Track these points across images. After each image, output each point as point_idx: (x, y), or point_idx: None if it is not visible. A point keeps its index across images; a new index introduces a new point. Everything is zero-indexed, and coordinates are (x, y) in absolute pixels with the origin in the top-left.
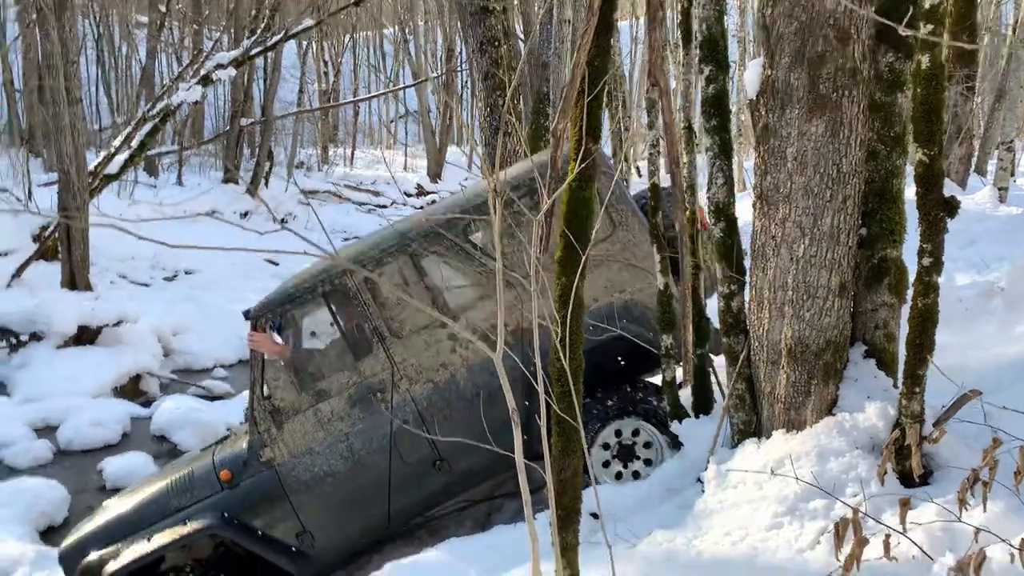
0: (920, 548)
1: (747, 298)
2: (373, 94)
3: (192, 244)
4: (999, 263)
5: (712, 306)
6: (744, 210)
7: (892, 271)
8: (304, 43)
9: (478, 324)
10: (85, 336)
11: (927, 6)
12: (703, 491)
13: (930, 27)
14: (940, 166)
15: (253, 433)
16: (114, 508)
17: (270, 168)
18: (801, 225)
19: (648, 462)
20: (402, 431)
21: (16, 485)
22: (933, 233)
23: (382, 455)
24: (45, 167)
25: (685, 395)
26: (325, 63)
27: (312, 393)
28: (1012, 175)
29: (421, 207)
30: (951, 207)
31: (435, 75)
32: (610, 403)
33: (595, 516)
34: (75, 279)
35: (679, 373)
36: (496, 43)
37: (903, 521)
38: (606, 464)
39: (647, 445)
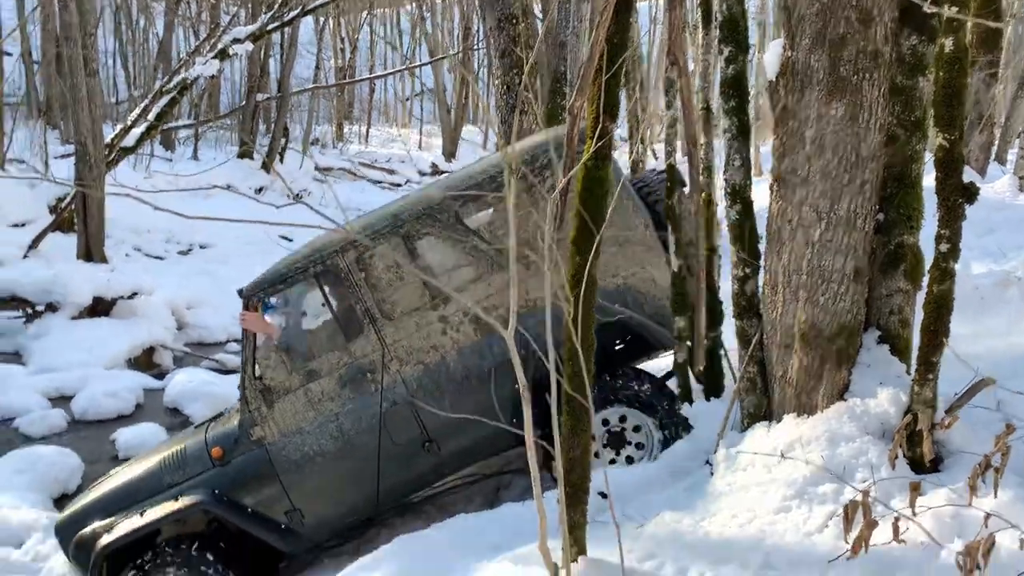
0: (928, 534)
1: (761, 282)
2: (389, 71)
3: (208, 216)
4: (1017, 252)
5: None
6: (760, 194)
7: (908, 257)
8: (321, 19)
9: (468, 307)
10: (100, 308)
11: None
12: (712, 473)
13: (955, 9)
14: (960, 151)
15: (244, 412)
16: (110, 482)
17: (285, 144)
18: (818, 209)
19: (640, 446)
20: (391, 412)
21: (31, 453)
22: (951, 219)
23: (371, 435)
24: (62, 139)
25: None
26: (342, 39)
27: (303, 373)
28: None
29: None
30: (970, 193)
31: (452, 53)
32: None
33: (603, 495)
34: (91, 251)
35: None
36: (514, 21)
37: (912, 505)
38: (596, 455)
39: (636, 429)
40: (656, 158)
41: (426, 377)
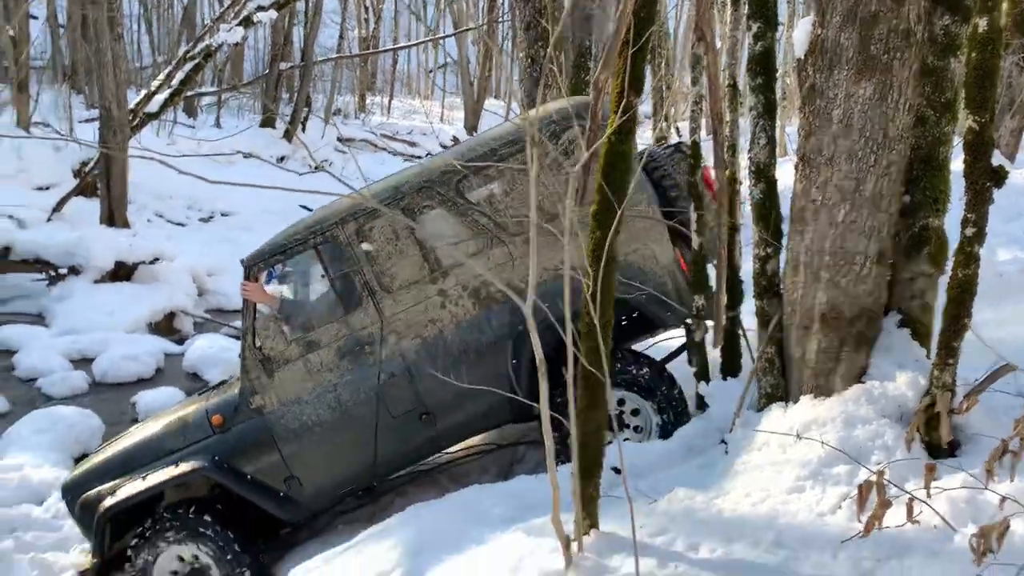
0: (942, 517)
1: (783, 262)
2: (413, 43)
3: (231, 182)
4: None
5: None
6: (784, 174)
7: (933, 240)
8: None
9: (468, 281)
10: (122, 272)
11: None
12: (726, 452)
13: None
14: (990, 134)
15: (244, 381)
16: (114, 446)
17: (307, 114)
18: (842, 189)
19: (638, 429)
20: (389, 384)
21: (53, 413)
22: (978, 203)
23: (369, 407)
24: (87, 103)
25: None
26: (366, 9)
27: (302, 344)
28: None
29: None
30: (999, 177)
31: (476, 25)
32: None
33: (616, 471)
34: (113, 216)
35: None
36: None
37: (928, 486)
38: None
39: (635, 413)
40: (680, 136)
41: (424, 350)
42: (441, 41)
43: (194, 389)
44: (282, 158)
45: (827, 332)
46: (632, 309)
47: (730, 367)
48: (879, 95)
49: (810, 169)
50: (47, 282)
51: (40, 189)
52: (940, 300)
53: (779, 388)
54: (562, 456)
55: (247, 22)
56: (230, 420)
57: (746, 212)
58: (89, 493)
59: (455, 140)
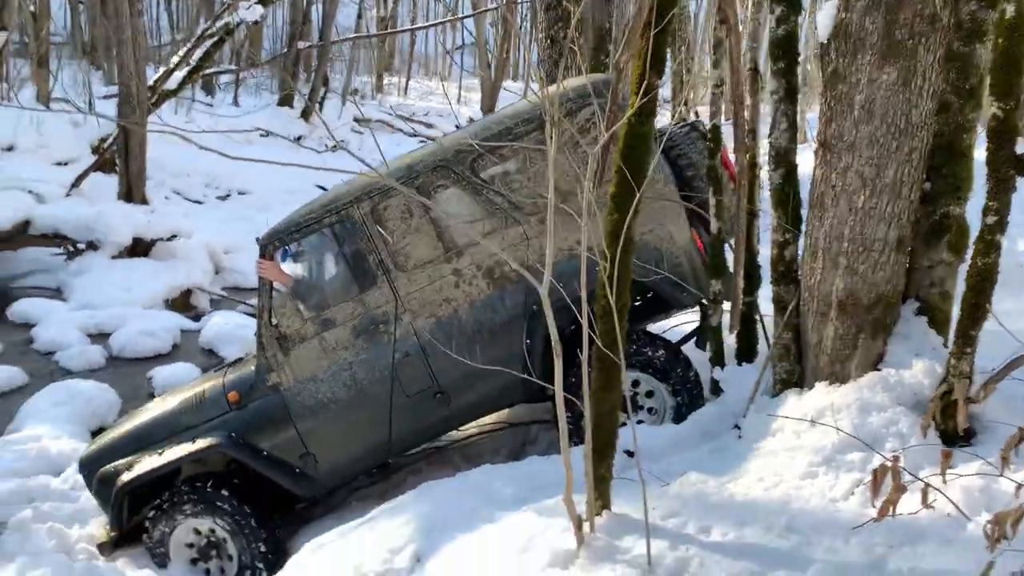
0: (955, 505)
1: (801, 248)
2: (431, 23)
3: (251, 158)
4: None
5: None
6: (804, 160)
7: (953, 228)
8: None
9: (483, 261)
10: (139, 248)
11: None
12: (740, 437)
13: None
14: (1015, 122)
15: (260, 358)
16: (131, 421)
17: (325, 93)
18: (863, 176)
19: (652, 411)
20: (404, 363)
21: (71, 386)
22: (1001, 191)
23: (384, 385)
24: (106, 80)
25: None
26: None
27: (318, 322)
28: None
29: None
30: (1022, 165)
31: (496, 6)
32: None
33: (629, 453)
34: (132, 192)
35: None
36: None
37: (943, 473)
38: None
39: (649, 395)
40: (698, 119)
41: (438, 329)
42: (460, 22)
43: (210, 365)
44: (299, 137)
45: (844, 319)
46: (647, 289)
47: (745, 352)
48: (902, 81)
49: (830, 155)
50: (65, 257)
51: (59, 164)
52: (959, 289)
53: (794, 374)
54: (575, 437)
55: (266, 0)
56: (246, 397)
57: (764, 197)
58: (107, 467)
59: (471, 121)
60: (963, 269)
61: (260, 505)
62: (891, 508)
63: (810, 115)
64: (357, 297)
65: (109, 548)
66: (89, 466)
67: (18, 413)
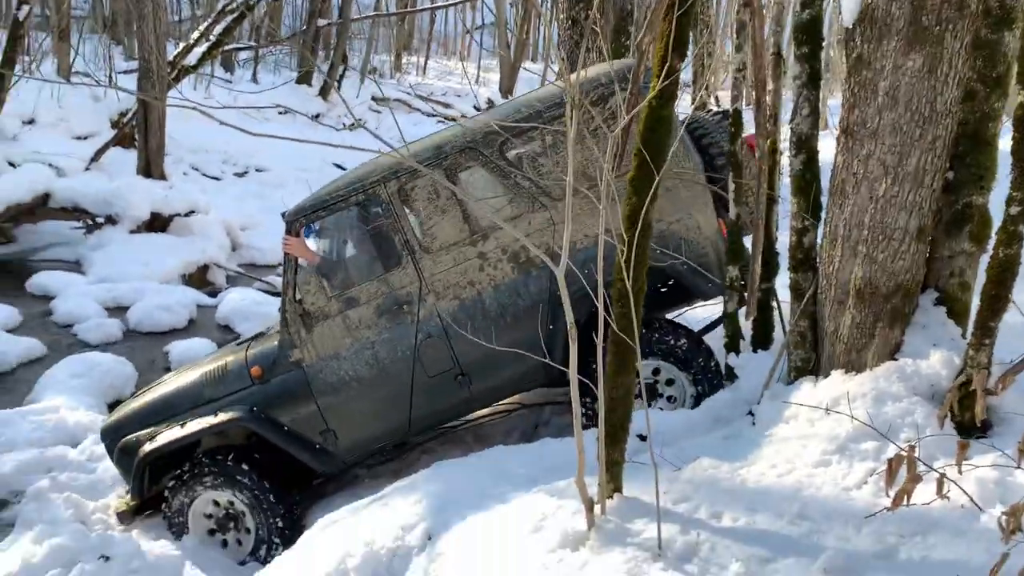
0: (969, 496)
1: (820, 235)
2: (451, 2)
3: (270, 134)
4: None
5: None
6: (824, 147)
7: (975, 218)
8: None
9: (508, 244)
10: (157, 223)
11: None
12: (753, 423)
13: None
14: None
15: (284, 334)
16: (153, 392)
17: (343, 71)
18: (885, 163)
19: (671, 399)
20: (426, 344)
21: (88, 358)
22: None
23: (405, 365)
24: (126, 55)
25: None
26: None
27: (341, 300)
28: None
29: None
30: None
31: None
32: None
33: (642, 438)
34: (150, 167)
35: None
36: None
37: (959, 463)
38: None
39: (669, 383)
40: (719, 104)
41: (461, 312)
42: (480, 1)
43: (226, 341)
44: (317, 115)
45: (862, 307)
46: (671, 278)
47: (761, 339)
48: (928, 68)
49: (853, 142)
50: (84, 230)
51: (79, 138)
52: (979, 279)
53: (810, 362)
54: (588, 420)
55: None
56: (269, 372)
57: (784, 183)
58: (128, 437)
59: (490, 102)
60: (984, 259)
61: (278, 480)
62: (906, 497)
63: (831, 102)
64: (381, 277)
65: (129, 517)
66: (111, 435)
67: (36, 384)
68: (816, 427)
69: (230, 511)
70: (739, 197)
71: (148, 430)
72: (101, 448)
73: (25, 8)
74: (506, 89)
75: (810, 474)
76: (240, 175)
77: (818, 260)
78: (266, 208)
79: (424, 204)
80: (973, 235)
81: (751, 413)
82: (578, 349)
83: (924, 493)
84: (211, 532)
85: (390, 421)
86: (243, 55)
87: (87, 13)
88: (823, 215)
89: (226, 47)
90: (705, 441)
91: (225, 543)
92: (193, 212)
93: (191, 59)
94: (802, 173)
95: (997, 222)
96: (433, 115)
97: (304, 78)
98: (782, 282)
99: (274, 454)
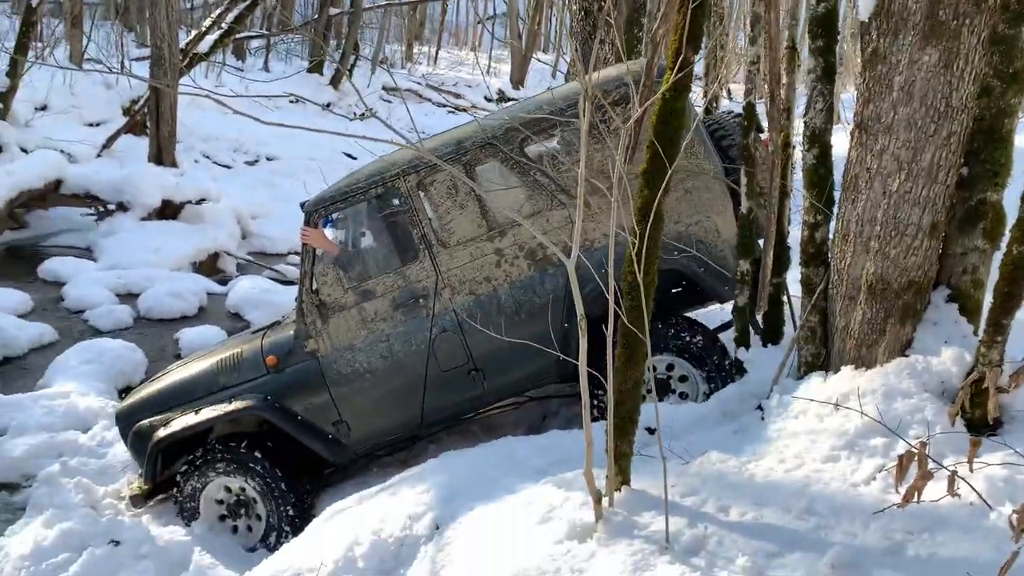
0: (979, 494)
1: (832, 230)
2: None
3: (281, 123)
4: None
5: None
6: (836, 142)
7: (989, 215)
8: None
9: (525, 241)
10: (168, 211)
11: None
12: (762, 418)
13: None
14: None
15: (300, 324)
16: (168, 378)
17: (355, 61)
18: (899, 158)
19: (684, 396)
20: (441, 338)
21: (99, 344)
22: None
23: (419, 359)
24: (138, 42)
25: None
26: None
27: (358, 292)
28: None
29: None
30: None
31: None
32: None
33: (650, 431)
34: (162, 154)
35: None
36: None
37: (971, 461)
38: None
39: (683, 380)
40: (731, 98)
41: (477, 307)
42: None
43: (235, 329)
44: (327, 105)
45: (873, 303)
46: (688, 279)
47: (771, 334)
48: (944, 63)
49: (867, 136)
50: (95, 217)
51: (91, 125)
52: (992, 277)
53: (820, 357)
54: (596, 413)
55: None
56: (284, 361)
57: (796, 178)
58: (143, 422)
59: (500, 93)
60: (997, 257)
61: (290, 469)
62: (916, 494)
63: (844, 96)
64: (398, 270)
65: (141, 501)
66: (125, 419)
67: (48, 369)
68: (825, 422)
69: (241, 498)
70: (751, 191)
71: (162, 415)
72: (111, 434)
73: None
74: (517, 80)
75: (818, 469)
76: (251, 163)
77: (830, 255)
78: (276, 197)
79: (443, 199)
80: (987, 232)
81: (760, 407)
82: (593, 346)
83: (933, 490)
84: (222, 518)
85: (402, 414)
86: (255, 43)
87: (100, 0)
88: (835, 210)
89: (238, 35)
90: (714, 435)
91: (235, 529)
92: (204, 200)
93: (203, 47)
94: (815, 168)
95: (1011, 219)
96: (444, 105)
97: (315, 67)
98: (793, 277)
99: (286, 443)
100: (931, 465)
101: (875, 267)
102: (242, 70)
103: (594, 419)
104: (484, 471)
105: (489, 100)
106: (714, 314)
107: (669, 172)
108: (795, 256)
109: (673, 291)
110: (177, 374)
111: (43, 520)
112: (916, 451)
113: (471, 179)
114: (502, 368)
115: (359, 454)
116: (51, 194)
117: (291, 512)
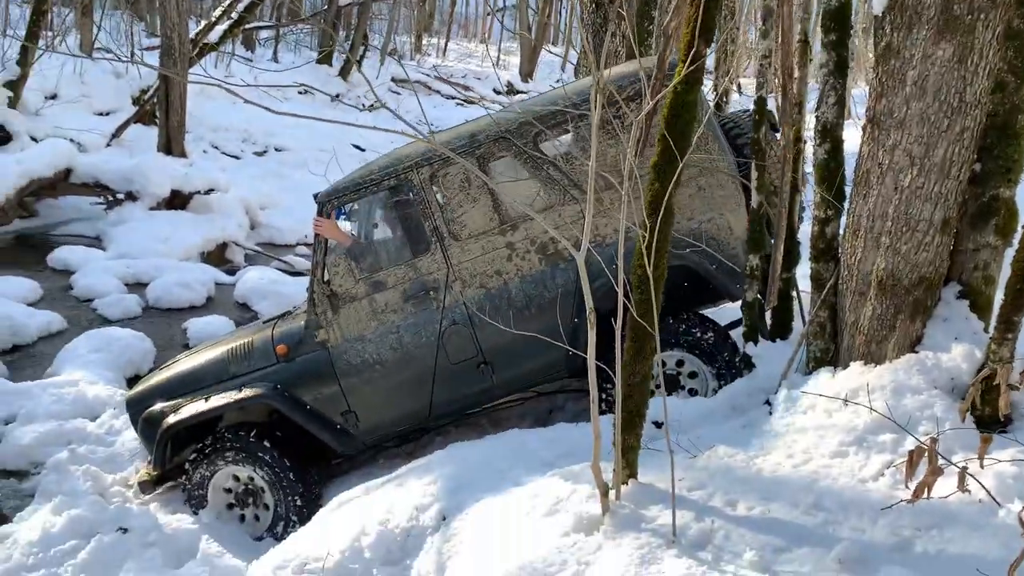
0: (988, 492)
1: (842, 225)
2: None
3: (292, 113)
4: None
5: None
6: (849, 137)
7: (1002, 211)
8: None
9: (537, 236)
10: (177, 200)
11: None
12: (770, 413)
13: None
14: None
15: (311, 314)
16: (178, 365)
17: (364, 52)
18: (911, 154)
19: (693, 392)
20: (450, 331)
21: (108, 333)
22: None
23: (429, 351)
24: (148, 31)
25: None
26: None
27: (369, 283)
28: None
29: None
30: None
31: None
32: None
33: (658, 425)
34: (171, 144)
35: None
36: None
37: (981, 457)
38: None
39: (692, 376)
40: (741, 92)
41: (487, 301)
42: None
43: (243, 319)
44: (336, 96)
45: (883, 299)
46: (700, 277)
47: (780, 329)
48: (958, 58)
49: (879, 131)
50: (105, 206)
51: (100, 114)
52: (1004, 273)
53: (829, 353)
54: (604, 406)
55: None
56: (294, 351)
57: (808, 172)
58: (153, 409)
59: (509, 86)
60: (1009, 253)
61: (298, 458)
62: (926, 490)
63: (855, 91)
64: (409, 262)
65: (150, 487)
66: (135, 406)
67: (57, 357)
68: (834, 418)
69: (249, 487)
70: (761, 185)
71: (172, 402)
72: (119, 422)
73: None
74: (526, 72)
75: (826, 465)
76: (259, 154)
77: (840, 250)
78: (285, 187)
79: (455, 192)
80: (999, 228)
81: (768, 402)
82: (602, 340)
83: (942, 486)
84: (229, 506)
85: (411, 406)
86: (264, 34)
87: None
88: (846, 205)
89: (248, 25)
90: (721, 429)
91: (243, 518)
92: (213, 190)
93: (213, 37)
94: (826, 162)
95: None
96: (453, 97)
97: (325, 58)
98: (803, 272)
99: (294, 432)
100: (940, 461)
101: (886, 263)
102: (251, 60)
103: (602, 412)
104: (491, 463)
105: (499, 92)
106: (724, 311)
107: (680, 165)
108: (805, 251)
109: (684, 286)
110: (188, 362)
111: (52, 507)
112: (926, 447)
113: (484, 173)
114: (511, 362)
115: (367, 445)
116: (61, 183)
117: (299, 502)
